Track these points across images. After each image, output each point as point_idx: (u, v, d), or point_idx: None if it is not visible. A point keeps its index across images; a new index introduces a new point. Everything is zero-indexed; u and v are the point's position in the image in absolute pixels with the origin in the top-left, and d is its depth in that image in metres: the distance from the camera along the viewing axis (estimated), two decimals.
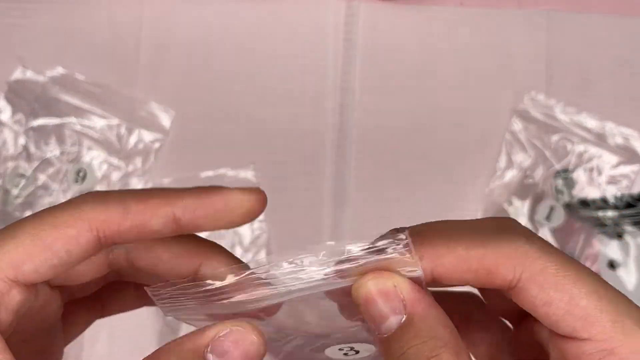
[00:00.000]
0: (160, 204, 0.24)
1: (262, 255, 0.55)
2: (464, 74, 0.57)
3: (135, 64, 0.57)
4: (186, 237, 0.26)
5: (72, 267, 0.24)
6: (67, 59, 0.57)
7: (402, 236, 0.23)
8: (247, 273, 0.23)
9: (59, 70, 0.57)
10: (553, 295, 0.23)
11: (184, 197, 0.24)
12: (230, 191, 0.24)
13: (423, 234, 0.24)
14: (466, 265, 0.23)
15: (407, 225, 0.24)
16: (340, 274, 0.23)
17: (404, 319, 0.23)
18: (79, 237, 0.23)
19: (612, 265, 0.52)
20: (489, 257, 0.23)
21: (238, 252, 0.55)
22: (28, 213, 0.55)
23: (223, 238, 0.55)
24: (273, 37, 0.58)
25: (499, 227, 0.24)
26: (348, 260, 0.23)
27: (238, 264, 0.25)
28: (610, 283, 0.24)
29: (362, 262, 0.23)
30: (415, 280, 0.23)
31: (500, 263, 0.23)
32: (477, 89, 0.57)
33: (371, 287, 0.23)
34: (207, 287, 0.24)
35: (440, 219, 0.25)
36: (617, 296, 0.23)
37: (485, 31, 0.58)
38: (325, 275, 0.23)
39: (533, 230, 0.27)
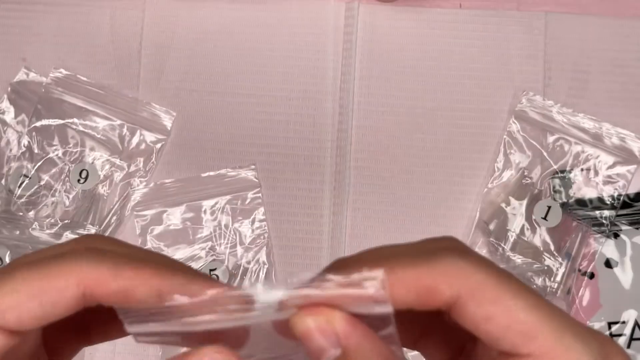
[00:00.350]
0: (152, 275, 0.24)
1: (262, 254, 0.55)
2: (462, 75, 0.58)
3: (137, 66, 0.58)
4: (160, 265, 0.25)
5: (52, 321, 0.24)
6: (69, 61, 0.58)
7: (378, 273, 0.22)
8: (216, 292, 0.23)
9: (62, 72, 0.57)
10: (492, 310, 0.22)
11: (176, 276, 0.24)
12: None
13: (363, 261, 0.24)
14: (405, 286, 0.23)
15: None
16: (281, 306, 0.23)
17: (339, 352, 0.23)
18: (66, 290, 0.23)
19: (608, 264, 0.53)
20: (426, 276, 0.23)
21: (239, 252, 0.55)
22: (31, 213, 0.55)
23: (223, 237, 0.55)
24: (273, 37, 0.58)
25: (438, 247, 0.24)
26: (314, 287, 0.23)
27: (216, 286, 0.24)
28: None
29: (327, 292, 0.23)
30: (383, 317, 0.23)
31: (438, 281, 0.23)
32: (475, 90, 0.57)
33: (309, 321, 0.23)
34: (176, 304, 0.23)
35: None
36: (555, 310, 0.23)
37: (483, 33, 0.58)
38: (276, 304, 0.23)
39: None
